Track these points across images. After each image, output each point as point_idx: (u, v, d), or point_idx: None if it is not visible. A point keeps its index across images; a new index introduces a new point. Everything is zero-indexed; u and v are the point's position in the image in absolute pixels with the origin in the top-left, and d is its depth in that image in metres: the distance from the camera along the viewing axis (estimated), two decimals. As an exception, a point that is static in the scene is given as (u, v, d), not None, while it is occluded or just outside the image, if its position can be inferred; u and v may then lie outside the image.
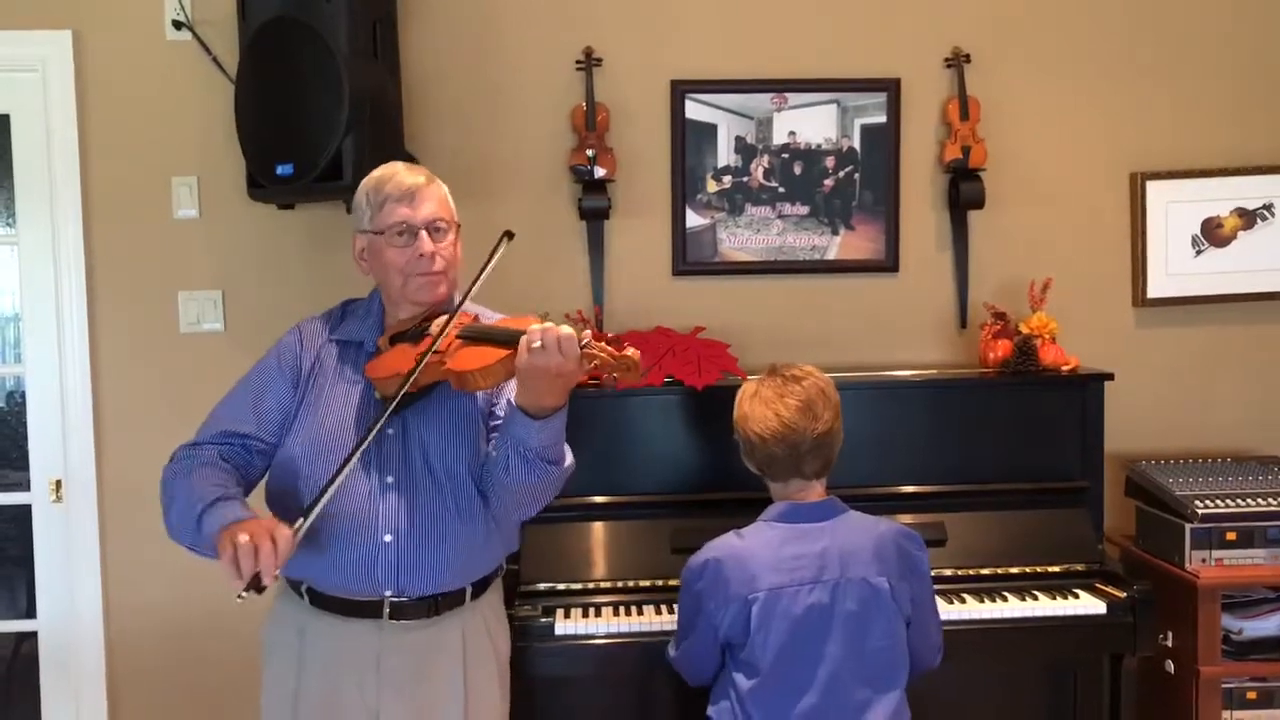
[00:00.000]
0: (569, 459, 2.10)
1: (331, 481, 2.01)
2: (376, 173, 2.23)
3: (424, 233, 2.15)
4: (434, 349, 2.02)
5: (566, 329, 1.90)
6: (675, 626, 2.50)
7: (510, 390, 2.05)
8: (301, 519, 1.98)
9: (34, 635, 3.21)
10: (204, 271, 3.18)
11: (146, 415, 3.15)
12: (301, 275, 3.15)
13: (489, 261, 2.06)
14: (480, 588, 2.23)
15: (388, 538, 2.10)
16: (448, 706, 2.16)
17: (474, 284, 2.09)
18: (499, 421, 2.11)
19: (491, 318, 2.23)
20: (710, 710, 2.33)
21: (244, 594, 1.89)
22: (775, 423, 2.31)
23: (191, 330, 3.18)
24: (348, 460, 2.02)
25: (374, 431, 2.03)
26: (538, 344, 1.89)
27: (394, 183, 2.17)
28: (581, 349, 1.89)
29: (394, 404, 2.02)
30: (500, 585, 2.35)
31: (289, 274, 3.17)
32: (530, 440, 1.98)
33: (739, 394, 2.44)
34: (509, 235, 2.06)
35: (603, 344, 1.92)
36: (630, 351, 1.90)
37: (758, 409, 2.35)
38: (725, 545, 2.31)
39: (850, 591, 2.24)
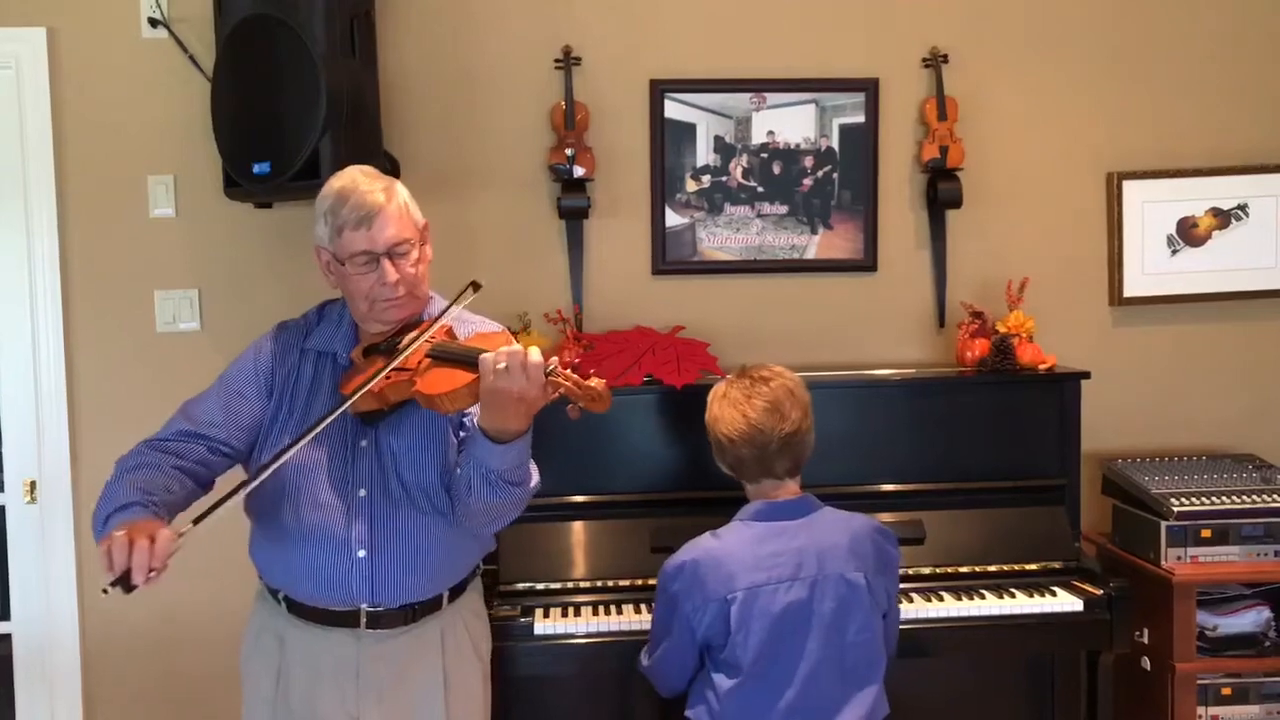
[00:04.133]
0: (534, 480, 2.08)
1: (237, 490, 1.95)
2: (334, 185, 2.13)
3: (386, 261, 2.08)
4: (395, 366, 2.00)
5: (535, 354, 1.88)
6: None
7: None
8: (190, 525, 1.89)
9: (8, 637, 3.18)
10: (180, 270, 3.16)
11: (122, 415, 3.12)
12: (278, 274, 3.13)
13: (450, 307, 2.05)
14: (457, 591, 2.22)
15: (361, 553, 2.09)
16: (429, 710, 2.15)
17: (441, 314, 2.07)
18: (469, 433, 2.09)
19: (470, 322, 2.21)
20: (689, 713, 2.33)
21: (108, 589, 1.80)
22: (742, 424, 2.32)
23: (168, 330, 3.16)
24: (278, 456, 1.98)
25: (322, 425, 1.98)
26: (503, 365, 1.87)
27: (351, 205, 2.08)
28: (547, 376, 1.87)
29: (347, 402, 1.99)
30: (479, 585, 2.34)
31: (266, 273, 3.15)
32: (492, 463, 1.96)
33: (710, 395, 2.44)
34: (475, 286, 2.03)
35: (569, 371, 1.89)
36: (595, 382, 1.89)
37: (726, 410, 2.36)
38: (701, 546, 2.31)
39: (828, 588, 2.24)
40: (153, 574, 1.81)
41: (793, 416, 2.32)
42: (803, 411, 2.35)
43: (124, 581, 1.80)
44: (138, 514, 1.92)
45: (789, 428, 2.31)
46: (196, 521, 1.90)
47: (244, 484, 1.97)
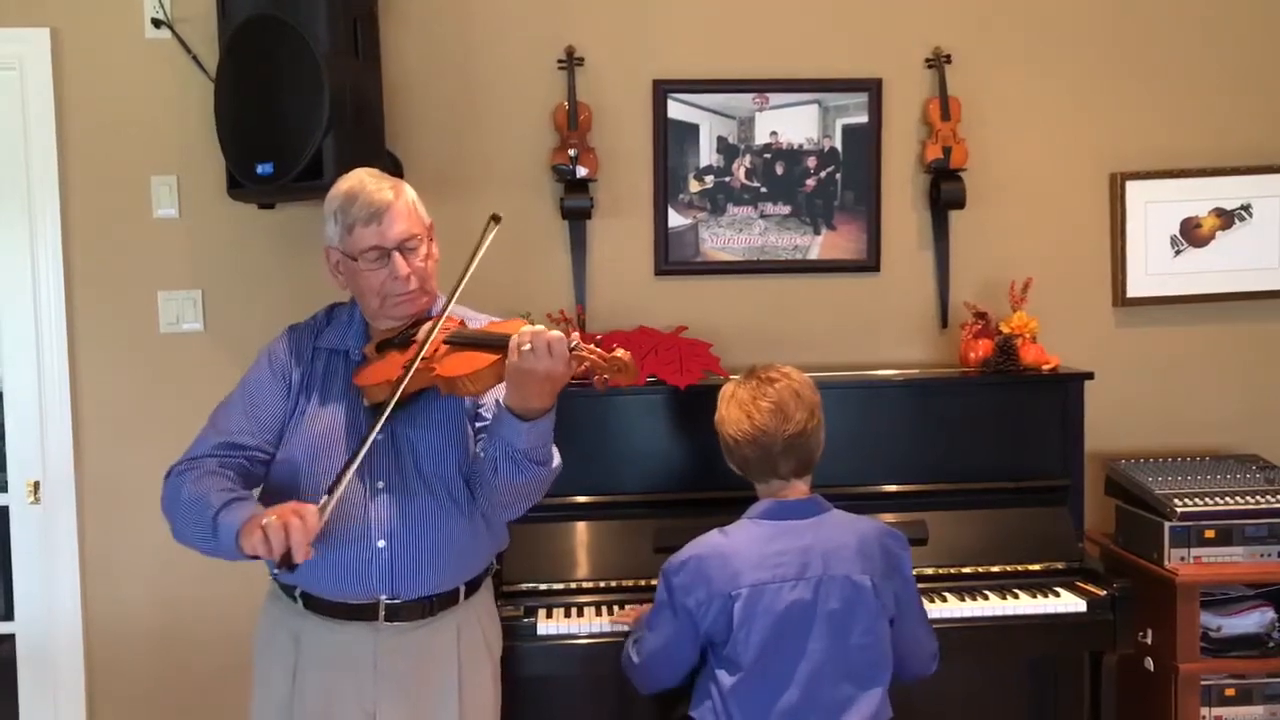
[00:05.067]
0: (556, 460, 2.10)
1: (347, 468, 1.99)
2: (342, 186, 2.18)
3: (397, 255, 2.13)
4: (421, 356, 2.01)
5: (556, 332, 1.91)
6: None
7: (497, 391, 2.04)
8: (326, 497, 1.98)
9: (11, 638, 3.18)
10: (183, 271, 3.16)
11: (125, 416, 3.13)
12: (281, 275, 3.13)
13: (476, 252, 2.05)
14: (473, 586, 2.24)
15: (381, 543, 2.10)
16: (444, 705, 2.17)
17: (460, 282, 2.06)
18: (485, 422, 2.11)
19: (477, 320, 2.22)
20: (693, 712, 2.33)
21: (277, 571, 1.93)
22: (747, 425, 2.32)
23: (171, 330, 3.16)
24: (358, 452, 2.00)
25: (372, 436, 2.01)
26: (527, 346, 1.89)
27: (360, 203, 2.13)
28: (571, 351, 1.90)
29: (386, 413, 2.01)
30: (491, 583, 2.35)
31: (269, 274, 3.15)
32: (518, 441, 1.98)
33: (720, 395, 2.44)
34: (495, 219, 2.06)
35: (591, 346, 1.92)
36: (620, 352, 1.90)
37: (733, 411, 2.36)
38: (708, 542, 2.31)
39: (833, 589, 2.24)
40: (310, 549, 1.92)
41: (797, 418, 2.32)
42: (809, 413, 2.34)
43: (287, 562, 1.91)
44: (246, 508, 2.01)
45: (793, 429, 2.31)
46: (330, 491, 1.98)
47: (346, 467, 2.01)
